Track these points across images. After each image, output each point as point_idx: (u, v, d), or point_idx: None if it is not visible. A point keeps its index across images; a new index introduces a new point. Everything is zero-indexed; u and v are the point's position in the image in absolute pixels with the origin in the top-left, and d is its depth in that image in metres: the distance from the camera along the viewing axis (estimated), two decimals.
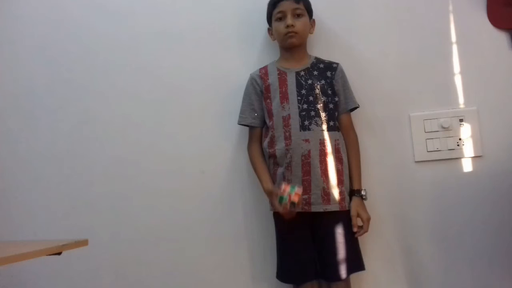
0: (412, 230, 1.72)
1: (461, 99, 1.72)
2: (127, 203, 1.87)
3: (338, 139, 1.61)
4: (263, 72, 1.69)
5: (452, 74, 1.73)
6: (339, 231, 1.55)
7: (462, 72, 1.72)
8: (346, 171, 1.61)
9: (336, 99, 1.63)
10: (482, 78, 1.72)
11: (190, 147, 1.85)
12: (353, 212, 1.57)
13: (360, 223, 1.58)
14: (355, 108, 1.66)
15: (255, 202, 1.80)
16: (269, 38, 1.75)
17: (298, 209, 1.49)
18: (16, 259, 0.90)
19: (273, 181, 1.61)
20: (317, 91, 1.60)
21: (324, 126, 1.58)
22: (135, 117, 1.89)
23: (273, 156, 1.62)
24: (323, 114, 1.59)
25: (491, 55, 1.72)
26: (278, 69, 1.66)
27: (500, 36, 1.71)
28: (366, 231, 1.57)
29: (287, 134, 1.58)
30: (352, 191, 1.61)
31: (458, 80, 1.73)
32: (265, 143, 1.65)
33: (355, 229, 1.56)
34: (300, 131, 1.57)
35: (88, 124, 1.92)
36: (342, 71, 1.66)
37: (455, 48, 1.73)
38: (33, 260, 0.97)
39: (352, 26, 1.79)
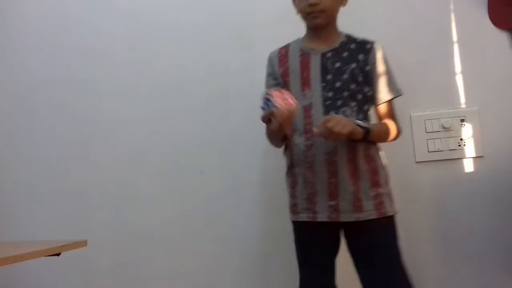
0: (413, 230, 1.72)
1: (462, 99, 1.71)
2: (126, 204, 1.87)
3: None
4: (283, 53, 1.44)
5: (453, 74, 1.72)
6: (378, 244, 1.30)
7: (463, 72, 1.72)
8: (381, 172, 1.36)
9: (367, 89, 1.36)
10: (483, 78, 1.71)
11: (189, 147, 1.84)
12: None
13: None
14: (397, 96, 1.41)
15: (255, 202, 1.79)
16: (271, 36, 1.73)
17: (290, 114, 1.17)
18: (15, 260, 0.90)
19: (293, 185, 1.39)
20: (346, 76, 1.33)
21: (354, 119, 1.30)
22: (135, 117, 1.88)
23: (290, 154, 1.38)
24: (352, 104, 1.33)
25: (492, 55, 1.71)
26: (301, 49, 1.40)
27: (501, 36, 1.70)
28: (322, 126, 1.21)
29: (308, 127, 1.31)
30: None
31: (459, 80, 1.72)
32: (284, 145, 1.42)
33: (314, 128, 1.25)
34: None
35: (87, 125, 1.92)
36: (379, 52, 1.39)
37: (456, 48, 1.73)
38: (32, 261, 0.97)
39: (352, 25, 1.78)
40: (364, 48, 1.38)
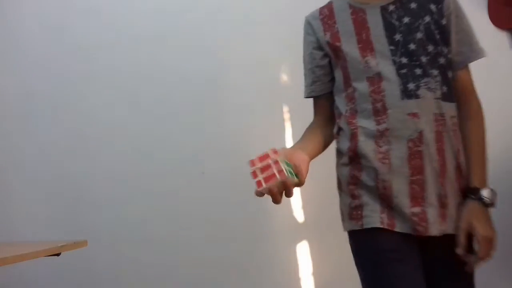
0: None
1: None
2: (126, 204, 1.87)
3: (454, 116, 1.02)
4: (326, 13, 1.08)
5: None
6: (453, 267, 0.99)
7: None
8: (463, 172, 1.04)
9: (445, 50, 1.02)
10: (483, 78, 1.69)
11: (190, 147, 1.84)
12: (462, 224, 0.96)
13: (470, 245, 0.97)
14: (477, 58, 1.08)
15: (256, 202, 1.79)
16: (270, 37, 1.73)
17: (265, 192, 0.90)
18: (15, 260, 0.90)
19: (353, 182, 1.02)
20: (421, 35, 1.00)
21: (439, 92, 0.98)
22: (135, 117, 1.89)
23: (353, 141, 1.01)
24: (434, 72, 0.99)
25: (492, 55, 1.69)
26: (351, 5, 1.05)
27: (501, 35, 1.71)
28: (484, 257, 0.98)
29: (379, 105, 0.98)
30: (469, 190, 0.99)
31: None
32: (335, 127, 1.08)
33: (459, 251, 0.95)
34: (403, 99, 0.96)
35: (87, 125, 1.92)
36: (454, 1, 1.05)
37: None
38: (32, 261, 0.97)
39: None
40: None
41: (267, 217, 1.75)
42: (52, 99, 1.95)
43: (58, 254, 1.03)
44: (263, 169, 0.90)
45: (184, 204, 1.83)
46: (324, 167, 1.62)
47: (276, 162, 0.88)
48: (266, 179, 0.88)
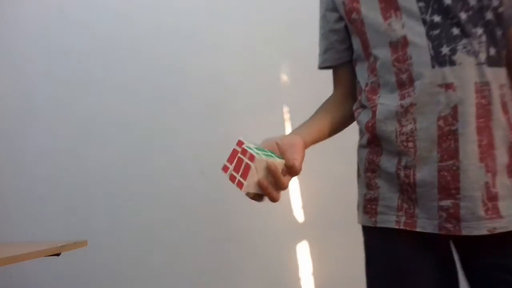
0: None
1: None
2: (126, 204, 1.87)
3: (504, 84, 0.81)
4: None
5: None
6: None
7: None
8: None
9: (496, 2, 0.80)
10: None
11: (189, 147, 1.84)
12: None
13: None
14: None
15: (254, 202, 1.79)
16: (270, 37, 1.73)
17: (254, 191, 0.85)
18: (15, 260, 0.90)
19: (371, 169, 0.87)
20: None
21: (483, 56, 0.78)
22: (134, 118, 1.89)
23: (372, 120, 0.85)
24: (478, 32, 0.79)
25: None
26: None
27: None
28: None
29: (404, 76, 0.81)
30: None
31: None
32: (356, 103, 0.92)
33: None
34: (434, 67, 0.78)
35: (87, 125, 1.92)
36: None
37: None
38: (32, 261, 0.97)
39: None
40: None
41: (267, 217, 1.75)
42: (52, 100, 1.95)
43: (58, 254, 1.03)
44: (236, 168, 0.81)
45: (184, 204, 1.83)
46: (325, 167, 1.63)
47: (243, 150, 0.79)
48: (243, 175, 0.80)
